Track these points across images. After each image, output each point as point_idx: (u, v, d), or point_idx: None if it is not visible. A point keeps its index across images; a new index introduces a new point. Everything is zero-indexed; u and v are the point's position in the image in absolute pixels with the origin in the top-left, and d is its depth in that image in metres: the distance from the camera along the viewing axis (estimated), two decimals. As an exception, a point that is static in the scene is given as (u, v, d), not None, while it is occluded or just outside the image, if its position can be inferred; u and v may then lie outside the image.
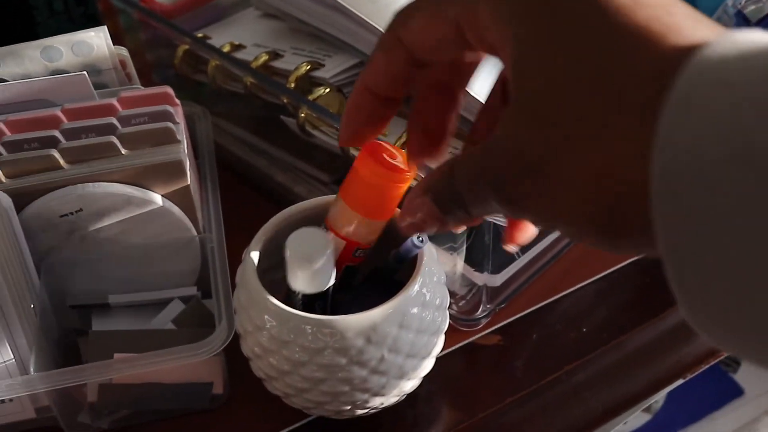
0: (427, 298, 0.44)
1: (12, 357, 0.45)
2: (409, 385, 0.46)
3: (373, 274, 0.47)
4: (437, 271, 0.46)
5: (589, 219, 0.26)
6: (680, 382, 0.54)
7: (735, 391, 0.78)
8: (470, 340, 0.54)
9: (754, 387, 0.80)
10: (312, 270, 0.41)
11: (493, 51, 0.30)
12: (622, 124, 0.24)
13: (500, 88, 0.35)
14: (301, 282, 0.42)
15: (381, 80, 0.33)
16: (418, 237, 0.44)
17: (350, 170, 0.42)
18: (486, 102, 0.36)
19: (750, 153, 0.20)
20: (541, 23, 0.26)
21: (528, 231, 0.36)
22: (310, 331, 0.42)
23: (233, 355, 0.48)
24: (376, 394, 0.45)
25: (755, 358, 0.23)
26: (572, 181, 0.25)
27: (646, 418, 0.75)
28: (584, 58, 0.25)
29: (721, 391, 0.77)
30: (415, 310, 0.44)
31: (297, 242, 0.41)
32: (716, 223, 0.21)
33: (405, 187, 0.41)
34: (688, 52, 0.23)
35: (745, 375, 0.83)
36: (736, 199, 0.20)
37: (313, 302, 0.43)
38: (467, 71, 0.35)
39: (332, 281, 0.43)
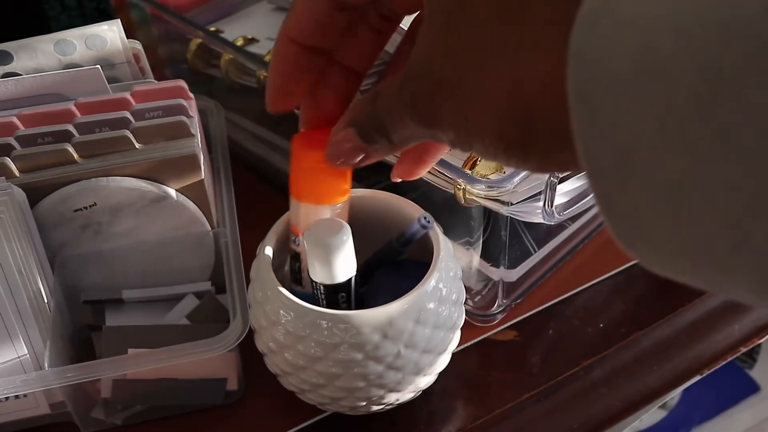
0: (444, 293, 0.44)
1: (26, 352, 0.45)
2: (425, 381, 0.46)
3: (377, 258, 0.47)
4: (453, 266, 0.46)
5: (500, 135, 0.26)
6: (697, 378, 0.53)
7: (751, 388, 0.77)
8: (486, 335, 0.53)
9: (770, 383, 0.80)
10: (332, 260, 0.41)
11: None
12: (533, 36, 0.24)
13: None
14: (321, 273, 0.42)
15: (305, 27, 0.32)
16: (425, 218, 0.45)
17: (291, 170, 0.40)
18: (404, 36, 0.36)
19: (656, 62, 0.19)
20: None
21: (423, 167, 0.36)
22: (325, 326, 0.42)
23: (247, 351, 0.48)
24: (391, 390, 0.44)
25: (684, 279, 0.22)
26: (483, 96, 0.25)
27: (661, 414, 0.75)
28: None
29: (737, 387, 0.77)
30: (431, 306, 0.43)
31: (315, 233, 0.40)
32: (633, 140, 0.20)
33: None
34: None
35: (761, 371, 0.82)
36: (649, 112, 0.19)
37: (335, 295, 0.43)
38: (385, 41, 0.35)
39: (353, 272, 0.43)
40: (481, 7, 0.25)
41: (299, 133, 0.40)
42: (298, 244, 0.44)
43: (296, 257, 0.44)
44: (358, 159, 0.33)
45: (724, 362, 0.54)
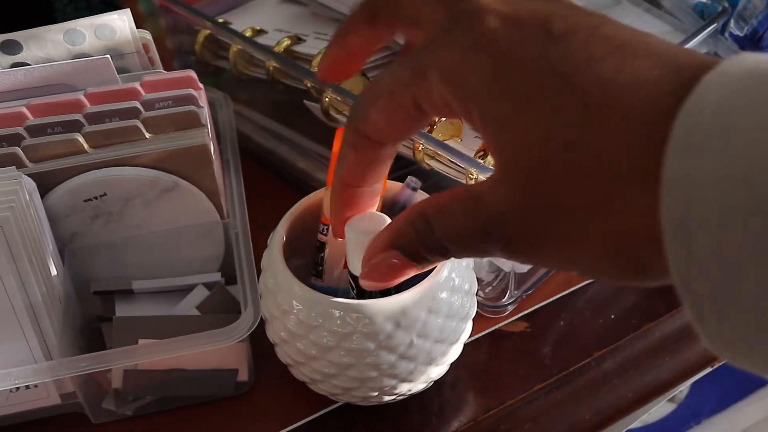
0: (456, 283, 0.44)
1: (37, 343, 0.45)
2: (437, 371, 0.46)
3: None
4: (466, 255, 0.45)
5: (602, 272, 0.27)
6: (708, 369, 0.53)
7: (759, 381, 0.77)
8: (496, 326, 0.53)
9: (779, 377, 0.79)
10: None
11: (453, 116, 0.30)
12: (622, 189, 0.24)
13: None
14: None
15: (359, 174, 0.33)
16: (413, 181, 0.45)
17: (331, 157, 0.42)
18: None
19: (751, 198, 0.21)
20: (511, 97, 0.26)
21: None
22: (338, 315, 0.42)
23: (258, 342, 0.48)
24: (404, 380, 0.44)
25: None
26: (578, 245, 0.26)
27: (670, 407, 0.74)
28: (561, 129, 0.25)
29: (745, 381, 0.76)
30: (444, 295, 0.43)
31: (358, 224, 0.40)
32: (727, 270, 0.21)
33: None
34: (667, 102, 0.23)
35: (770, 365, 0.81)
36: (748, 246, 0.21)
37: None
38: None
39: None
40: (569, 169, 0.25)
41: (342, 128, 0.41)
42: (326, 234, 0.44)
43: (321, 247, 0.44)
44: (401, 276, 0.32)
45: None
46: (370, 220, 0.40)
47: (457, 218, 0.29)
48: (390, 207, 0.46)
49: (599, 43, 0.25)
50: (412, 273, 0.32)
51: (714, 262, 0.22)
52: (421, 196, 0.45)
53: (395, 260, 0.32)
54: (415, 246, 0.31)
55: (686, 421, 0.76)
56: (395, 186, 0.46)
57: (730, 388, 0.76)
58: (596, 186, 0.25)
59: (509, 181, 0.27)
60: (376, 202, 0.37)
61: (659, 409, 0.77)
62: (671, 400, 0.78)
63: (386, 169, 0.34)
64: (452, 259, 0.43)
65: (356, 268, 0.41)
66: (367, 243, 0.39)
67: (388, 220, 0.40)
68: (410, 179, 0.46)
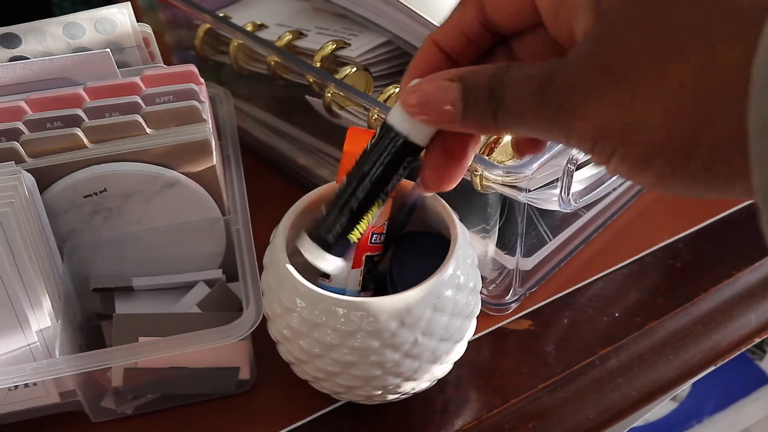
0: (461, 280, 0.43)
1: (36, 340, 0.44)
2: (441, 369, 0.45)
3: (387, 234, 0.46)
4: (471, 253, 0.45)
5: (668, 136, 0.24)
6: (712, 368, 0.53)
7: (761, 379, 0.77)
8: (500, 324, 0.53)
9: (781, 375, 0.79)
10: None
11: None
12: (723, 33, 0.22)
13: None
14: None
15: (450, 34, 0.32)
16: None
17: (342, 157, 0.42)
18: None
19: None
20: None
21: (460, 170, 0.35)
22: (342, 313, 0.41)
23: (259, 340, 0.47)
24: (408, 379, 0.44)
25: None
26: (654, 89, 0.24)
27: (672, 406, 0.74)
28: None
29: (747, 379, 0.76)
30: (449, 293, 0.42)
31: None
32: None
33: None
34: None
35: (771, 363, 0.82)
36: None
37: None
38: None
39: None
40: (669, 6, 0.24)
41: (355, 127, 0.42)
42: None
43: None
44: (442, 119, 0.30)
45: (740, 351, 0.54)
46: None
47: (533, 69, 0.28)
48: (399, 206, 0.45)
49: None
50: (450, 123, 0.30)
51: None
52: (462, 233, 0.44)
53: (450, 92, 0.30)
54: (478, 86, 0.29)
55: (688, 420, 0.76)
56: (406, 185, 0.46)
57: (731, 387, 0.76)
58: (703, 15, 0.23)
59: (600, 26, 0.26)
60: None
61: (661, 407, 0.76)
62: (673, 398, 0.77)
63: (474, 50, 0.32)
64: (457, 257, 0.43)
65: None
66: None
67: None
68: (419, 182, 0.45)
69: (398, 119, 0.33)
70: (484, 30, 0.32)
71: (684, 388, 0.78)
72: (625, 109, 0.25)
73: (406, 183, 0.46)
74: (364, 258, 0.45)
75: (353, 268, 0.45)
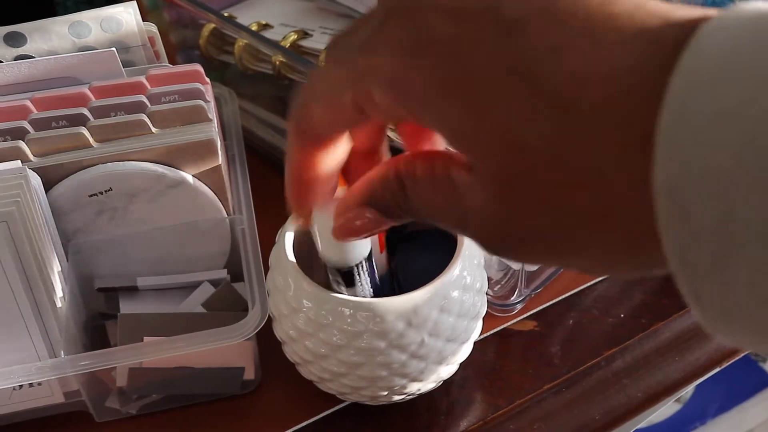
0: (468, 281, 0.43)
1: (41, 340, 0.44)
2: (448, 370, 0.45)
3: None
4: (477, 254, 0.45)
5: (609, 269, 0.25)
6: (717, 369, 0.53)
7: (765, 381, 0.77)
8: (505, 325, 0.53)
9: (784, 377, 0.79)
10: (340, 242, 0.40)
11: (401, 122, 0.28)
12: (616, 193, 0.22)
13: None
14: (338, 256, 0.40)
15: (311, 169, 0.31)
16: None
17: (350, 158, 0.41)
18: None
19: (758, 156, 0.18)
20: (466, 99, 0.23)
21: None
22: (348, 313, 0.41)
23: (264, 340, 0.47)
24: (414, 380, 0.44)
25: (754, 349, 0.22)
26: (580, 249, 0.24)
27: (676, 407, 0.74)
28: (534, 138, 0.22)
29: (750, 381, 0.76)
30: (455, 294, 0.42)
31: (323, 211, 0.39)
32: (733, 243, 0.19)
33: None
34: (649, 89, 0.20)
35: (774, 365, 0.82)
36: (753, 212, 0.19)
37: (351, 278, 0.42)
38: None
39: (364, 253, 0.41)
40: (539, 177, 0.23)
41: None
42: None
43: None
44: (378, 232, 0.31)
45: (745, 353, 0.54)
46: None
47: (433, 198, 0.27)
48: None
49: (559, 28, 0.22)
50: (387, 227, 0.31)
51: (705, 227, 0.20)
52: None
53: (370, 216, 0.30)
54: (391, 207, 0.29)
55: (692, 422, 0.76)
56: None
57: (735, 389, 0.76)
58: (584, 196, 0.22)
59: (485, 188, 0.24)
60: (334, 190, 0.35)
61: (665, 409, 0.76)
62: (677, 400, 0.77)
63: (340, 159, 0.32)
64: (463, 257, 0.43)
65: (333, 256, 0.40)
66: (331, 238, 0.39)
67: None
68: None
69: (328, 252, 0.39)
70: (333, 149, 0.31)
71: (687, 390, 0.78)
72: (557, 256, 0.25)
73: None
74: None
75: (380, 252, 0.44)
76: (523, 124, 0.22)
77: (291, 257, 0.43)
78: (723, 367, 0.53)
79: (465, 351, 0.45)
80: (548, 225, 0.23)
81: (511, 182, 0.23)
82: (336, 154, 0.31)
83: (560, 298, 0.54)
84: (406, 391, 0.44)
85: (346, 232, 0.31)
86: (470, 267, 0.44)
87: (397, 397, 0.45)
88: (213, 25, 0.61)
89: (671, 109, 0.20)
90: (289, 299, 0.43)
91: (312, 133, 0.29)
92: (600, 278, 0.55)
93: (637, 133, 0.21)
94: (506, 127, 0.23)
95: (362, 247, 0.41)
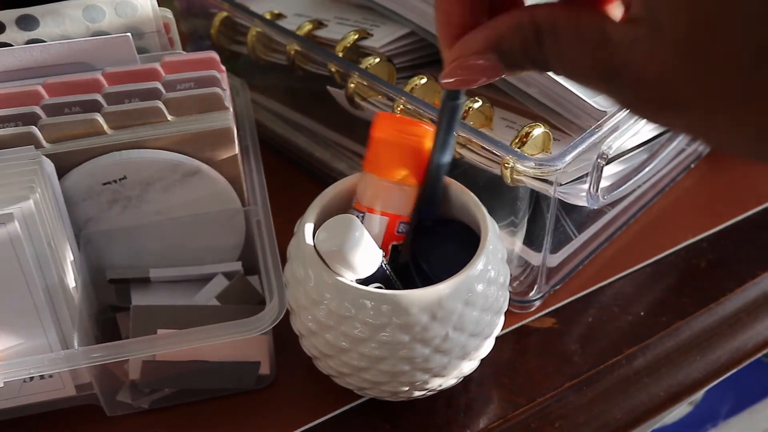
0: (492, 275, 0.42)
1: (54, 331, 0.42)
2: (470, 366, 0.44)
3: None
4: (500, 248, 0.44)
5: (755, 151, 0.24)
6: (737, 368, 0.52)
7: (777, 383, 0.76)
8: (523, 322, 0.52)
9: (796, 379, 0.78)
10: (350, 259, 0.39)
11: None
12: None
13: None
14: (349, 273, 0.40)
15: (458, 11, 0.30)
16: None
17: (369, 142, 0.43)
18: None
19: None
20: None
21: None
22: (371, 306, 0.40)
23: (279, 334, 0.46)
24: (436, 375, 0.43)
25: None
26: (745, 128, 0.23)
27: (687, 409, 0.73)
28: None
29: (762, 383, 0.75)
30: (480, 288, 0.41)
31: (326, 237, 0.40)
32: None
33: (426, 141, 0.42)
34: None
35: (786, 367, 0.80)
36: None
37: (371, 282, 0.41)
38: None
39: (380, 258, 0.41)
40: (731, 36, 0.22)
41: (382, 113, 0.43)
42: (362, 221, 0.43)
43: None
44: (486, 77, 0.30)
45: (761, 353, 0.53)
46: (339, 228, 0.40)
47: (578, 51, 0.26)
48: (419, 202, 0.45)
49: None
50: (499, 76, 0.30)
51: None
52: (492, 227, 0.43)
53: (488, 61, 0.29)
54: (518, 56, 0.28)
55: (703, 423, 0.75)
56: None
57: (747, 390, 0.75)
58: None
59: (658, 40, 0.23)
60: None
61: (676, 410, 0.75)
62: (689, 402, 0.77)
63: None
64: (487, 251, 0.42)
65: (343, 275, 0.41)
66: (341, 258, 0.39)
67: (356, 222, 0.40)
68: None
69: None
70: None
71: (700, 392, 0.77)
72: (699, 128, 0.25)
73: None
74: (390, 248, 0.44)
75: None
76: None
77: (312, 248, 0.42)
78: (743, 365, 0.52)
79: (487, 346, 0.44)
80: (727, 89, 0.23)
81: (699, 35, 0.22)
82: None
83: (579, 295, 0.53)
84: (428, 386, 0.43)
85: (458, 72, 0.30)
86: (494, 261, 0.43)
87: (417, 393, 0.44)
88: (225, 14, 0.59)
89: None
90: (310, 291, 0.41)
91: None
92: (618, 275, 0.54)
93: None
94: None
95: (372, 261, 0.41)
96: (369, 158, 0.43)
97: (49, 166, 0.43)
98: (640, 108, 0.26)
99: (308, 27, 0.56)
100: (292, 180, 0.61)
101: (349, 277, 0.41)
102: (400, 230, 0.44)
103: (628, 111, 0.26)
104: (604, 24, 0.25)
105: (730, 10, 0.22)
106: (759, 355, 0.53)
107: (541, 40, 0.27)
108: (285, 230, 0.46)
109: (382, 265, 0.42)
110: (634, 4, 0.24)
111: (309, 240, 0.42)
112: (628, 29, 0.25)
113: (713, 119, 0.24)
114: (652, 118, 0.26)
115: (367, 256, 0.40)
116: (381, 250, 0.42)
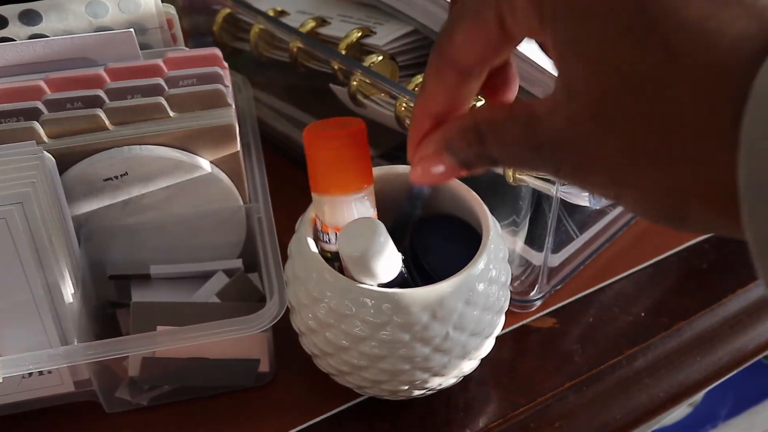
0: (493, 274, 0.42)
1: (53, 326, 0.42)
2: (470, 365, 0.44)
3: (396, 227, 0.45)
4: (502, 247, 0.44)
5: (649, 212, 0.26)
6: (738, 369, 0.52)
7: (776, 385, 0.76)
8: (524, 322, 0.52)
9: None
10: (373, 268, 0.39)
11: (534, 36, 0.29)
12: (694, 140, 0.23)
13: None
14: (369, 279, 0.40)
15: (440, 101, 0.32)
16: None
17: (308, 164, 0.40)
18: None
19: None
20: (588, 23, 0.25)
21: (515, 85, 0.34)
22: (371, 304, 0.40)
23: (278, 332, 0.46)
24: (436, 374, 0.43)
25: None
26: (642, 183, 0.25)
27: (686, 410, 0.73)
28: (638, 65, 0.24)
29: (761, 385, 0.75)
30: (481, 287, 0.41)
31: (348, 241, 0.39)
32: None
33: (364, 141, 0.40)
34: (748, 58, 0.22)
35: (786, 369, 0.80)
36: None
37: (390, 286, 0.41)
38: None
39: (400, 263, 0.41)
40: (629, 102, 0.24)
41: (310, 124, 0.40)
42: (330, 242, 0.42)
43: (335, 256, 0.42)
44: (446, 178, 0.33)
45: (761, 355, 0.53)
46: (361, 232, 0.39)
47: (511, 135, 0.29)
48: (408, 194, 0.44)
49: None
50: (460, 175, 0.32)
51: None
52: (494, 226, 0.43)
53: (444, 164, 0.32)
54: (467, 156, 0.31)
55: (702, 425, 0.75)
56: (407, 171, 0.45)
57: (746, 392, 0.75)
58: (666, 131, 0.24)
59: (572, 106, 0.26)
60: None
61: (676, 411, 0.75)
62: (689, 404, 0.77)
63: (468, 99, 0.32)
64: (489, 250, 0.42)
65: (366, 281, 0.40)
66: (363, 265, 0.39)
67: (381, 227, 0.39)
68: None
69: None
70: (464, 79, 0.31)
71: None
72: (607, 190, 0.27)
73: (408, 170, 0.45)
74: None
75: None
76: (634, 51, 0.24)
77: (313, 246, 0.42)
78: (743, 366, 0.52)
79: (488, 346, 0.44)
80: (628, 149, 0.25)
81: (603, 99, 0.25)
82: (468, 87, 0.32)
83: (580, 295, 0.53)
84: (427, 386, 0.43)
85: (424, 177, 0.33)
86: (495, 260, 0.43)
87: (417, 392, 0.44)
88: (227, 11, 0.59)
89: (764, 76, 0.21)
90: (311, 289, 0.41)
91: (451, 58, 0.30)
92: (619, 276, 0.54)
93: (728, 96, 0.22)
94: (618, 50, 0.24)
95: (392, 267, 0.40)
96: (314, 179, 0.41)
97: (50, 162, 0.43)
98: (560, 171, 0.28)
99: (311, 24, 0.56)
100: (293, 177, 0.60)
101: (370, 283, 0.40)
102: None
103: (555, 178, 0.28)
104: (531, 105, 0.28)
105: (629, 80, 0.24)
106: (760, 356, 0.53)
107: (483, 137, 0.30)
108: (286, 227, 0.46)
109: (401, 271, 0.41)
110: (555, 81, 0.27)
111: (310, 238, 0.42)
112: (549, 101, 0.27)
113: (621, 178, 0.26)
114: (570, 180, 0.28)
115: (389, 261, 0.40)
116: (400, 255, 0.41)
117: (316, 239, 0.43)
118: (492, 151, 0.30)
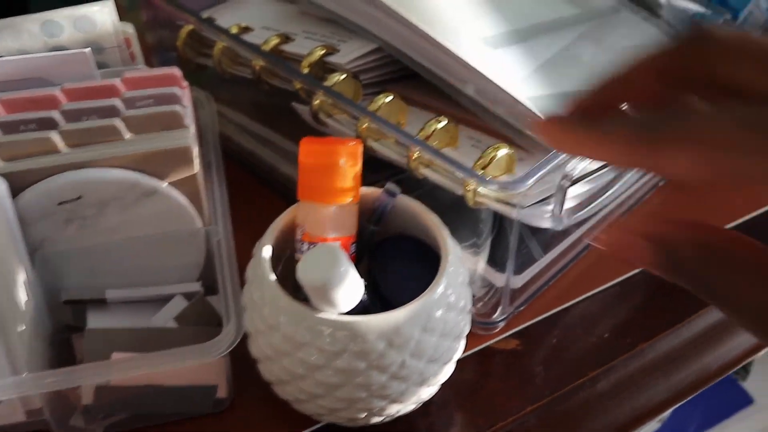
0: (452, 300, 0.42)
1: (3, 355, 0.41)
2: (428, 391, 0.44)
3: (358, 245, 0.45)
4: (462, 271, 0.43)
5: None
6: (702, 390, 0.52)
7: (745, 400, 0.76)
8: (487, 344, 0.51)
9: (764, 396, 0.78)
10: (332, 296, 0.38)
11: None
12: None
13: None
14: (330, 308, 0.39)
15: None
16: (390, 187, 0.44)
17: (300, 172, 0.42)
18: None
19: None
20: None
21: None
22: (328, 332, 0.39)
23: (237, 356, 0.45)
24: (394, 401, 0.42)
25: None
26: None
27: (655, 427, 0.73)
28: None
29: (730, 399, 0.75)
30: (439, 313, 0.41)
31: (307, 269, 0.38)
32: None
33: (358, 153, 0.41)
34: None
35: (754, 384, 0.81)
36: None
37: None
38: None
39: (362, 290, 0.40)
40: None
41: (308, 137, 0.41)
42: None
43: None
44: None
45: (730, 372, 0.53)
46: (320, 260, 0.38)
47: (753, 285, 0.25)
48: (368, 214, 0.44)
49: None
50: (651, 268, 0.28)
51: None
52: (454, 249, 0.43)
53: (645, 252, 0.28)
54: (678, 258, 0.27)
55: (672, 440, 0.75)
56: (374, 192, 0.44)
57: (715, 407, 0.75)
58: None
59: None
60: None
61: (645, 428, 0.75)
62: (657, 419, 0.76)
63: None
64: (448, 274, 0.41)
65: (328, 310, 0.39)
66: (323, 294, 0.38)
67: (343, 255, 0.38)
68: (390, 185, 0.44)
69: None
70: None
71: (668, 408, 0.77)
72: None
73: (374, 191, 0.44)
74: None
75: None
76: None
77: (269, 271, 0.41)
78: (707, 386, 0.52)
79: (447, 371, 0.44)
80: None
81: None
82: None
83: (543, 316, 0.53)
84: (385, 412, 0.43)
85: (609, 247, 0.29)
86: (455, 285, 0.42)
87: (376, 419, 0.44)
88: (191, 27, 0.59)
89: None
90: (266, 316, 0.41)
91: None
92: (584, 296, 0.54)
93: None
94: None
95: (354, 296, 0.40)
96: (304, 186, 0.42)
97: (2, 185, 0.42)
98: None
99: (275, 41, 0.55)
100: (257, 194, 0.60)
101: (332, 312, 0.40)
102: (352, 251, 0.43)
103: None
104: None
105: None
106: (723, 376, 0.53)
107: (706, 261, 0.26)
108: (247, 247, 0.45)
109: (362, 298, 0.41)
110: None
111: (266, 263, 0.42)
112: None
113: None
114: None
115: (350, 290, 0.39)
116: (363, 281, 0.40)
117: (284, 238, 0.42)
118: (718, 288, 0.26)
